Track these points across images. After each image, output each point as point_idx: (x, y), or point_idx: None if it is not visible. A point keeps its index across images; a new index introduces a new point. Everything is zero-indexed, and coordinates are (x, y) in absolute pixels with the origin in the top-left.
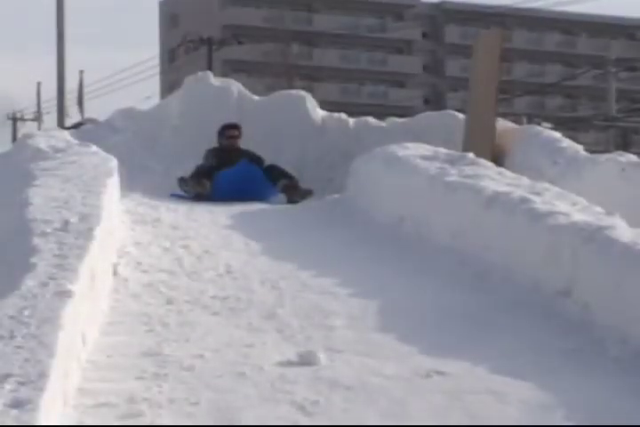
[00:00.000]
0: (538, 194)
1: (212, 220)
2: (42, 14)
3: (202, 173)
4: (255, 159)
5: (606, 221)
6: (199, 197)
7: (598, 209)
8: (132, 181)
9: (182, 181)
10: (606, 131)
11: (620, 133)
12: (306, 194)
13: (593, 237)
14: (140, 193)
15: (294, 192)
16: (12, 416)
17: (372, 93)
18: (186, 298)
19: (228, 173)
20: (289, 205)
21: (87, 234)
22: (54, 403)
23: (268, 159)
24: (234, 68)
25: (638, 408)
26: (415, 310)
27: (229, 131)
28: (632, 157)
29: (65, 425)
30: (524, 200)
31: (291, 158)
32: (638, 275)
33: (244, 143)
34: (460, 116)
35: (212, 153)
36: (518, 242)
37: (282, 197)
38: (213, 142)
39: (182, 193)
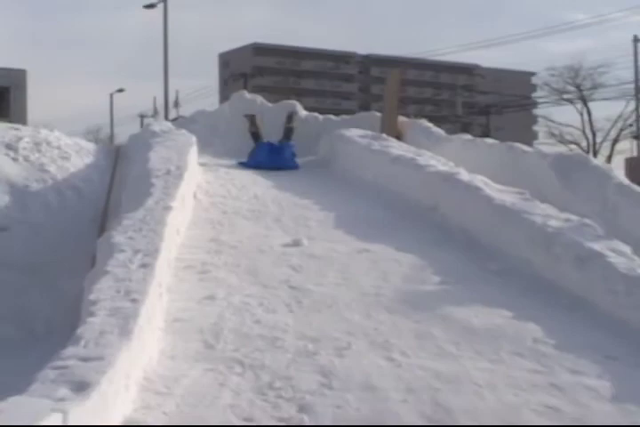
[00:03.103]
0: (420, 155)
1: (250, 169)
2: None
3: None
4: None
5: (455, 170)
6: (254, 136)
7: (451, 164)
8: (203, 150)
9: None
10: (455, 123)
11: (462, 125)
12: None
13: (448, 178)
14: (209, 156)
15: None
16: (141, 272)
17: (332, 103)
18: (232, 210)
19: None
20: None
21: (180, 176)
22: (163, 265)
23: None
24: (259, 90)
25: (472, 268)
26: (354, 218)
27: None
28: (468, 136)
29: (88, 425)
30: (412, 159)
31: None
32: (473, 197)
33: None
34: (379, 114)
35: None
36: (409, 181)
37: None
38: (246, 123)
39: (243, 162)
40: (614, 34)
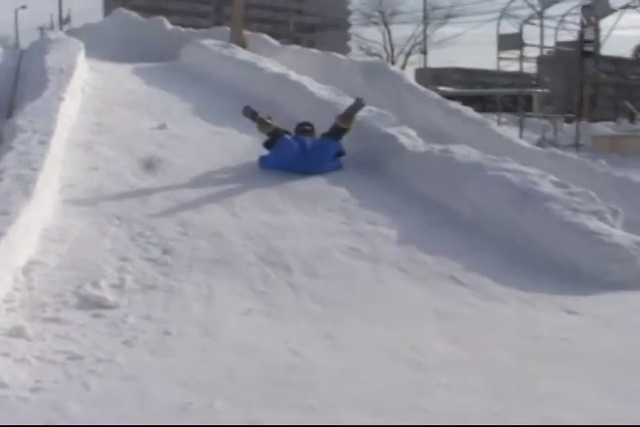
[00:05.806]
0: (260, 61)
1: (127, 70)
2: None
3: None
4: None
5: (287, 72)
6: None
7: (284, 67)
8: (90, 53)
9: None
10: (288, 38)
11: (294, 39)
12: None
13: (281, 78)
14: (95, 59)
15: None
16: (39, 148)
17: (193, 20)
18: (112, 100)
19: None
20: (164, 64)
21: (70, 74)
22: (56, 143)
23: (154, 47)
24: (135, 8)
25: (365, 183)
26: (208, 108)
27: (303, 126)
28: (297, 47)
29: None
30: (254, 63)
31: (157, 47)
32: (300, 93)
33: (132, 38)
34: (228, 29)
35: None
36: (251, 80)
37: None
38: (124, 34)
39: (265, 158)
40: None
